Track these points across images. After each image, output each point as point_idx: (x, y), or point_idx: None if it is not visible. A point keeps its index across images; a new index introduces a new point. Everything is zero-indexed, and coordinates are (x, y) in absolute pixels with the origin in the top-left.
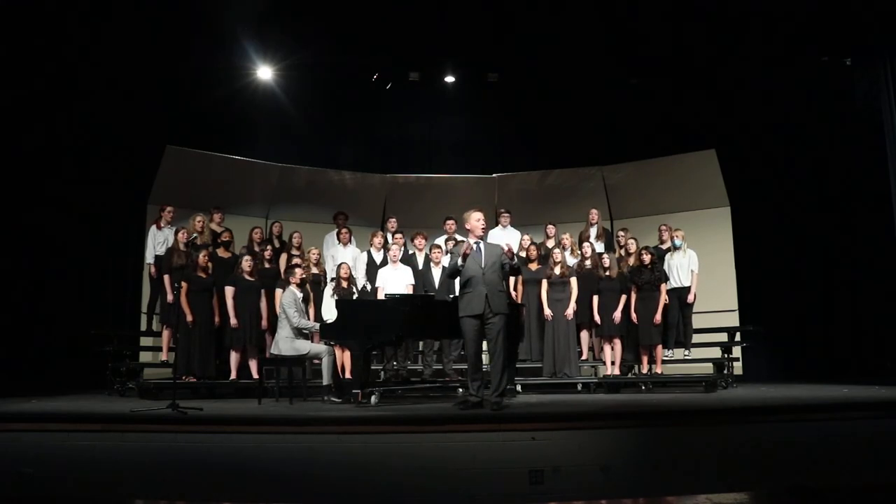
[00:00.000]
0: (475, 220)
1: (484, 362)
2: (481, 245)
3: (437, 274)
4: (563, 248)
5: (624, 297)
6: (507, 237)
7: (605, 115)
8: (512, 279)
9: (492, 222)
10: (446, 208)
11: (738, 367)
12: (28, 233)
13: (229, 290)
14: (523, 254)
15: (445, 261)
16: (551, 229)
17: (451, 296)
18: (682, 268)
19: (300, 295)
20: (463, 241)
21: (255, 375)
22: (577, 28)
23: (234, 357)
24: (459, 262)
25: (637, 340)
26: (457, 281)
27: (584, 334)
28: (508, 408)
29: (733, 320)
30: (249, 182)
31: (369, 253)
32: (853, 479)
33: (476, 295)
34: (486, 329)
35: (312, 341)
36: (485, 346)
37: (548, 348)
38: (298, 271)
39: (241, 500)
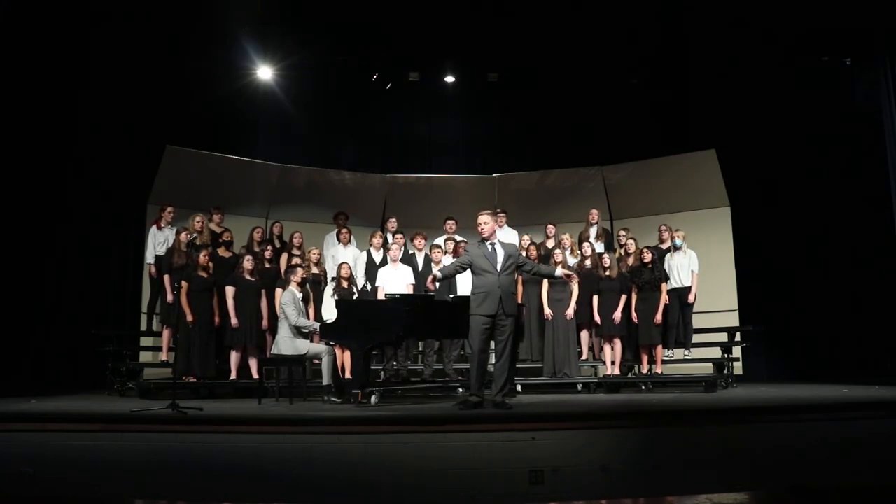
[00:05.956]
0: (479, 221)
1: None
2: (496, 246)
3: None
4: (563, 248)
5: (624, 297)
6: (503, 237)
7: (605, 115)
8: None
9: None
10: (446, 208)
11: (738, 367)
12: (28, 233)
13: (230, 290)
14: (523, 253)
15: (446, 260)
16: (551, 229)
17: (451, 296)
18: (682, 268)
19: (300, 295)
20: (462, 242)
21: (255, 375)
22: (577, 28)
23: (234, 357)
24: (439, 274)
25: (637, 340)
26: (459, 278)
27: (584, 334)
28: (511, 407)
29: (733, 320)
30: (249, 182)
31: (369, 253)
32: (853, 479)
33: (490, 295)
34: (496, 331)
35: (312, 341)
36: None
37: (548, 348)
38: (300, 271)
39: (242, 500)
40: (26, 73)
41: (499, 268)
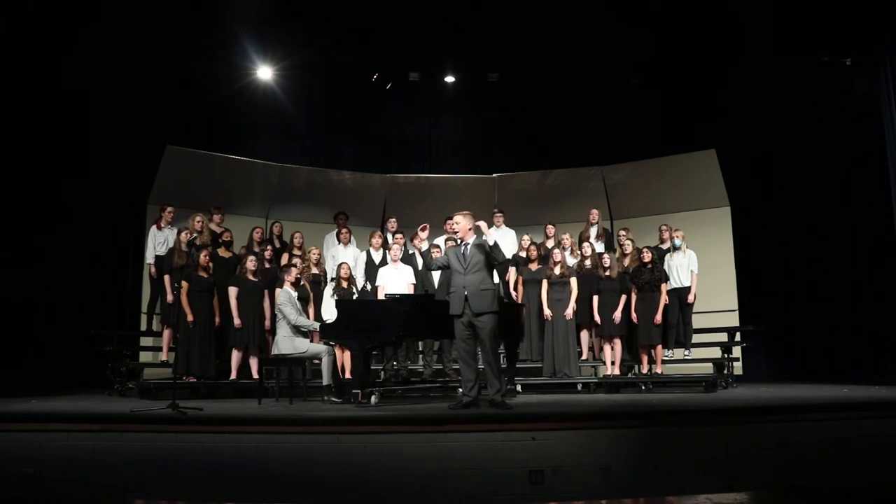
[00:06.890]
0: (453, 221)
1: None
2: (468, 247)
3: (436, 274)
4: (563, 248)
5: (624, 297)
6: (501, 237)
7: (605, 115)
8: (512, 279)
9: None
10: (446, 208)
11: (738, 367)
12: (28, 232)
13: (233, 291)
14: (523, 254)
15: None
16: (551, 229)
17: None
18: (681, 268)
19: (295, 294)
20: (452, 242)
21: (255, 375)
22: (576, 28)
23: (235, 357)
24: (430, 262)
25: (637, 340)
26: None
27: (584, 334)
28: (511, 407)
29: (733, 320)
30: (249, 182)
31: (369, 253)
32: (853, 479)
33: (456, 295)
34: (476, 331)
35: (312, 341)
36: None
37: (548, 348)
38: (294, 270)
39: (242, 500)
40: (27, 73)
41: (465, 267)
